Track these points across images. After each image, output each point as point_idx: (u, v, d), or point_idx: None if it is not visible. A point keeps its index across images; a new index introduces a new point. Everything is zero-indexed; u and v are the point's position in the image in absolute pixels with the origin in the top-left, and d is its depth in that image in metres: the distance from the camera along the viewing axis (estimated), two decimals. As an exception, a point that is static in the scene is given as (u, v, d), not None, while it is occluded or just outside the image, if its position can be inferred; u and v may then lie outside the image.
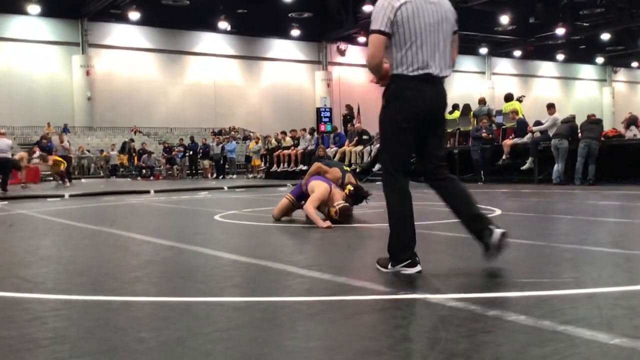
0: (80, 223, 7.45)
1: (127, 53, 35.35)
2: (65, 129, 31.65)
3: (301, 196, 6.67)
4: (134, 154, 28.59)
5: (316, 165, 6.89)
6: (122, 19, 33.95)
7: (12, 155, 16.96)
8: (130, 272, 3.95)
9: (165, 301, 3.09)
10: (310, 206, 6.18)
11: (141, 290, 3.36)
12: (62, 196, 13.14)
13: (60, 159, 19.60)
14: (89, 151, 30.23)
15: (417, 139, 3.48)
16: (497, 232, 3.37)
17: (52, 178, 21.96)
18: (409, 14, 3.37)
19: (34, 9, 31.71)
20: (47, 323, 2.67)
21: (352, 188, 6.56)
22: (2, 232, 6.80)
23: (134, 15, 33.19)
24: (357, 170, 18.06)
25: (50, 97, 33.10)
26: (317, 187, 6.32)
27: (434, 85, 3.44)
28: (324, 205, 6.49)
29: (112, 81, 34.74)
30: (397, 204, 3.46)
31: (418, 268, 3.44)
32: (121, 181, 24.22)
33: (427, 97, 3.41)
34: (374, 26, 3.39)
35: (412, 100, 3.41)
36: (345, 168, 7.36)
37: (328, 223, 5.94)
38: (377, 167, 17.68)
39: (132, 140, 29.59)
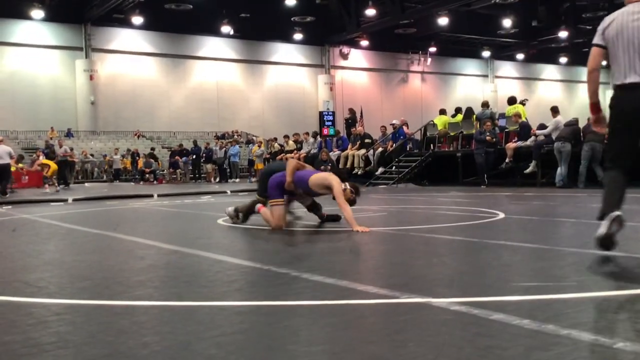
0: (83, 227, 7.46)
1: (130, 57, 35.41)
2: (69, 134, 31.74)
3: (287, 193, 6.29)
4: (137, 158, 28.65)
5: (293, 161, 6.42)
6: (126, 23, 34.02)
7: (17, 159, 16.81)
8: (134, 277, 3.96)
9: (168, 305, 3.09)
10: (348, 208, 5.90)
11: (145, 295, 3.36)
12: (65, 200, 13.17)
13: (48, 162, 18.89)
14: (92, 155, 30.26)
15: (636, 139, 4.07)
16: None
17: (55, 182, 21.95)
18: (612, 33, 3.98)
19: (37, 13, 31.81)
20: (51, 327, 2.67)
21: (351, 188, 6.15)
22: (5, 236, 6.81)
23: (137, 19, 33.26)
24: (359, 173, 18.06)
25: (53, 102, 33.14)
26: (331, 179, 6.01)
27: (633, 92, 3.93)
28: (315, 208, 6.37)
29: (115, 85, 34.79)
30: (605, 184, 4.20)
31: (606, 224, 4.01)
32: (124, 185, 24.25)
33: (626, 104, 3.97)
34: (593, 39, 4.12)
35: (617, 107, 4.05)
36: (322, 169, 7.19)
37: (364, 228, 5.80)
38: (380, 170, 17.68)
39: (152, 150, 29.24)
